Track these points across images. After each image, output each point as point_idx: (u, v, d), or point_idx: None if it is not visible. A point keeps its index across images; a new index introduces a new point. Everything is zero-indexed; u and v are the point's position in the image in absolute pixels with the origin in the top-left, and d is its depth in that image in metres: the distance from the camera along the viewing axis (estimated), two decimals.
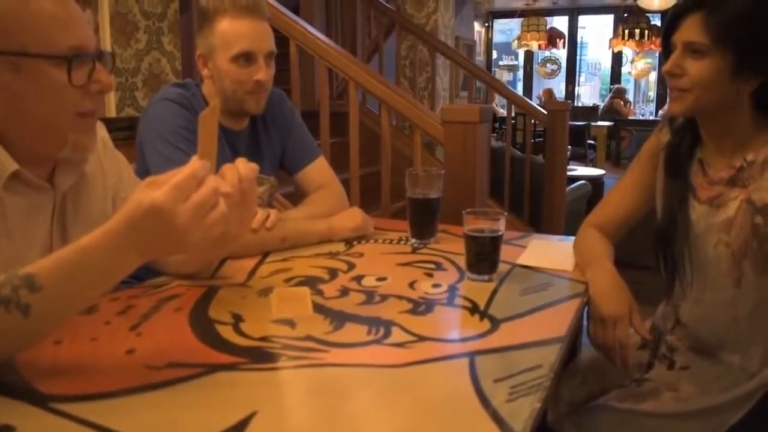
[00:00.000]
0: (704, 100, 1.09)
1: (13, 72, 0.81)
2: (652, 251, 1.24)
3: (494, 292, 1.09)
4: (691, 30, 1.08)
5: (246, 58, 1.34)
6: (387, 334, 0.91)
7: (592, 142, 7.60)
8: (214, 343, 0.87)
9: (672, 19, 1.13)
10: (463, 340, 0.91)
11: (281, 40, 1.44)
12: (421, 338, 0.90)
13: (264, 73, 1.36)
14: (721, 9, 1.05)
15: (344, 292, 1.09)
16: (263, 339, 0.89)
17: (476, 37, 6.51)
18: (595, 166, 6.38)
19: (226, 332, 0.91)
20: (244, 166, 0.77)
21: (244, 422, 0.67)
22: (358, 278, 1.16)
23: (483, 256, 1.15)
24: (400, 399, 0.74)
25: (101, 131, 1.06)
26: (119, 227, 0.71)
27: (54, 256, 0.72)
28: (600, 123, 8.17)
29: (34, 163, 0.89)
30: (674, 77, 1.11)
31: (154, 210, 0.70)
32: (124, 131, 1.86)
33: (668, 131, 1.24)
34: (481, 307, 1.03)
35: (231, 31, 1.33)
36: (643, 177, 1.29)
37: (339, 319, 0.97)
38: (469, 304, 1.04)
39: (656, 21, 8.59)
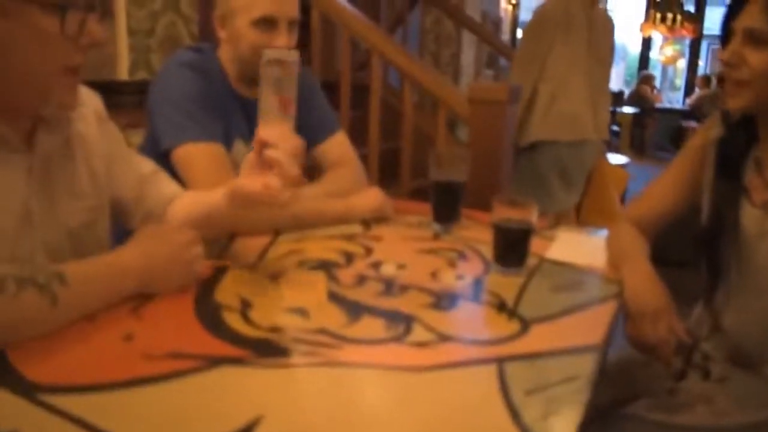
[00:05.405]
0: (765, 94, 0.99)
1: (0, 18, 0.73)
2: (692, 250, 1.16)
3: (523, 288, 1.01)
4: (753, 15, 0.98)
5: (267, 23, 1.25)
6: (407, 330, 0.84)
7: (616, 128, 7.43)
8: (219, 331, 0.80)
9: (734, 2, 1.03)
10: (491, 342, 0.84)
11: (302, 8, 1.35)
12: (445, 338, 0.83)
13: (285, 40, 1.27)
14: None
15: (361, 280, 1.01)
16: (273, 329, 0.82)
17: (502, 13, 6.31)
18: (618, 153, 6.23)
19: (233, 320, 0.84)
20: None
21: (249, 428, 0.60)
22: (376, 265, 1.08)
23: (512, 248, 1.06)
24: (420, 409, 0.67)
25: (96, 102, 0.98)
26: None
27: (83, 262, 0.82)
28: (625, 109, 7.98)
29: (10, 120, 0.81)
30: (732, 68, 1.01)
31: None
32: (135, 95, 1.78)
33: (720, 126, 1.14)
34: (509, 304, 0.95)
35: None
36: (686, 173, 1.20)
37: (355, 310, 0.89)
38: (495, 301, 0.96)
39: (689, 6, 8.35)
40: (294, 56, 0.91)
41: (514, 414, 0.66)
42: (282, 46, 1.26)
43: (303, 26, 1.36)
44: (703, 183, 1.16)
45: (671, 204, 1.21)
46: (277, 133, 0.89)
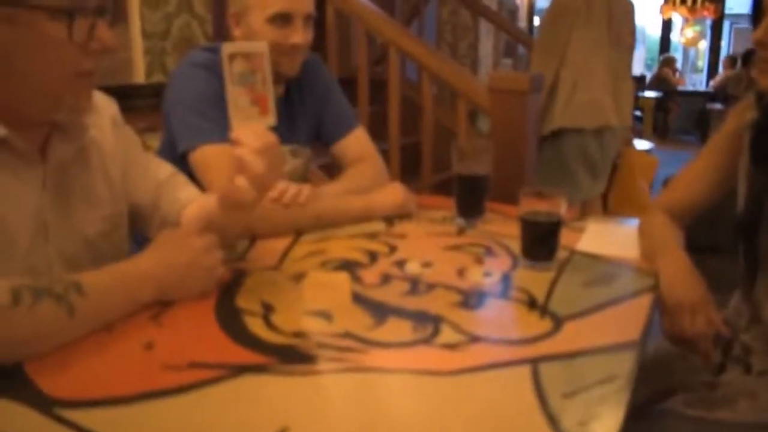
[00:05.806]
0: None
1: (7, 25, 0.71)
2: (730, 238, 1.11)
3: (553, 284, 0.98)
4: None
5: (283, 19, 1.23)
6: (435, 332, 0.81)
7: (638, 113, 7.29)
8: (241, 338, 0.78)
9: None
10: (523, 342, 0.80)
11: (316, 4, 1.33)
12: (475, 338, 0.79)
13: (301, 36, 1.25)
14: None
15: (386, 279, 0.98)
16: (296, 335, 0.79)
17: (518, 1, 6.21)
18: (641, 138, 6.10)
19: (255, 325, 0.81)
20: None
21: None
22: (401, 263, 1.05)
23: (541, 242, 1.03)
24: (451, 414, 0.64)
25: (112, 108, 0.97)
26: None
27: (100, 271, 0.79)
28: (647, 93, 7.82)
29: (24, 130, 0.79)
30: (766, 47, 0.96)
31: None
32: (152, 98, 1.77)
33: (755, 108, 1.08)
34: (540, 301, 0.91)
35: None
36: (720, 158, 1.14)
37: (381, 312, 0.86)
38: (525, 297, 0.93)
39: None
40: (260, 47, 0.86)
41: (551, 419, 0.62)
42: (298, 41, 1.24)
43: (317, 23, 1.33)
44: (739, 169, 1.11)
45: (704, 192, 1.16)
46: (246, 130, 0.85)
